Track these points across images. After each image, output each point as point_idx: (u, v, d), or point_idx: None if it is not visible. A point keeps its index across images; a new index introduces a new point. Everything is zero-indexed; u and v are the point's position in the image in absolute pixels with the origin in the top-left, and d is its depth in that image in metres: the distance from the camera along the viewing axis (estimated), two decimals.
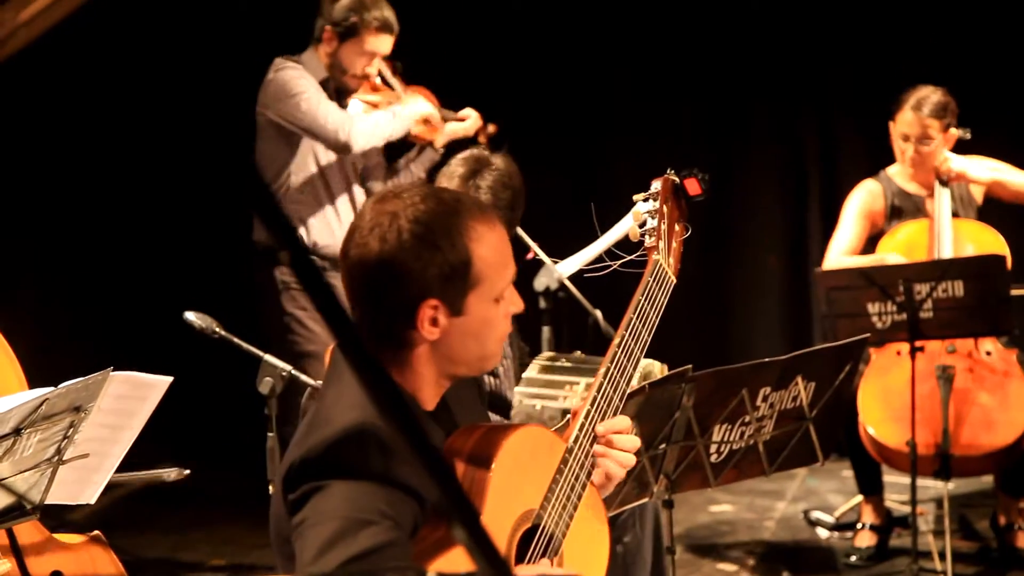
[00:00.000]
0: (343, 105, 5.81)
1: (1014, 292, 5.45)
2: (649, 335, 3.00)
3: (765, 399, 4.14)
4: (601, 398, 2.86)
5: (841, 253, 5.98)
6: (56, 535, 3.64)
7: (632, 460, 2.90)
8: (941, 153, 5.92)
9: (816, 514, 6.43)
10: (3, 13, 1.17)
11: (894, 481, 6.13)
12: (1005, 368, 5.72)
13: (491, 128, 6.07)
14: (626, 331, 2.93)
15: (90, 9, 1.27)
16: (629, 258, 3.20)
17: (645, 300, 3.02)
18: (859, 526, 6.04)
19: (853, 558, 5.91)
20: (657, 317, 3.04)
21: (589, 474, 2.77)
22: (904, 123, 5.93)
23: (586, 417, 2.81)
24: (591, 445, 2.80)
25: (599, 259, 4.15)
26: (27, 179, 6.96)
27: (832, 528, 6.31)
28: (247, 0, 7.35)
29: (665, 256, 3.13)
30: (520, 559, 2.65)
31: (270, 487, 4.00)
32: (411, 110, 5.82)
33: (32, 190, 7.01)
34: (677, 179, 3.25)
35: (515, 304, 2.77)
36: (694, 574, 5.82)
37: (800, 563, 5.93)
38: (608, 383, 2.87)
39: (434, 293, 2.61)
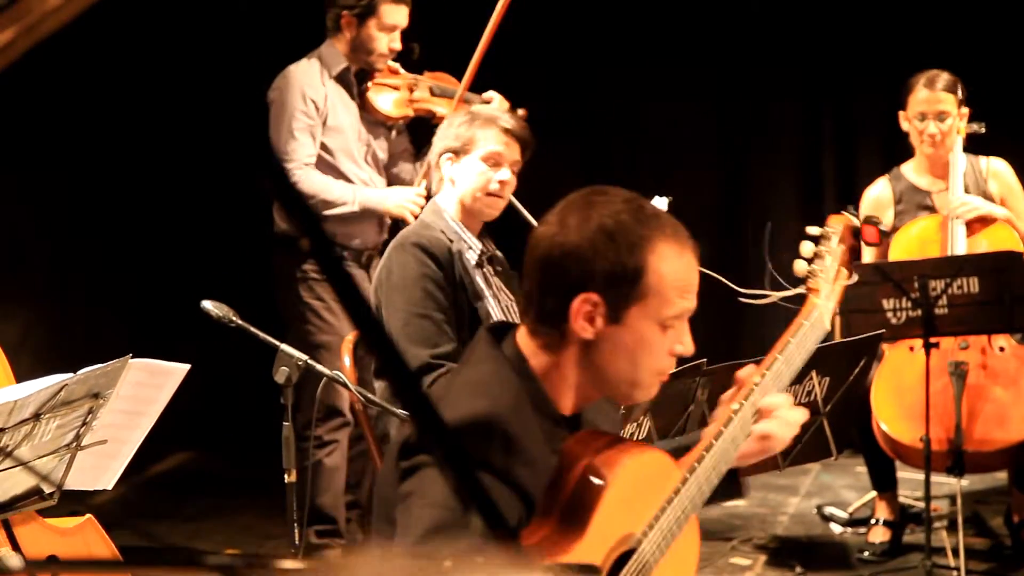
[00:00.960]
0: (365, 88, 5.79)
1: None
2: (790, 379, 2.89)
3: None
4: (726, 435, 2.75)
5: None
6: (49, 519, 3.66)
7: (800, 419, 2.84)
8: (954, 136, 5.91)
9: (829, 509, 6.44)
10: (26, 2, 1.19)
11: (908, 477, 6.13)
12: (1018, 364, 5.72)
13: (521, 112, 5.94)
14: (768, 370, 2.83)
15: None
16: (792, 292, 3.11)
17: (796, 344, 2.91)
18: (873, 522, 6.05)
19: (866, 553, 5.91)
20: (803, 363, 2.93)
21: (697, 507, 2.69)
22: (918, 102, 5.93)
23: (706, 450, 2.71)
24: (707, 482, 2.71)
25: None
26: (47, 171, 6.98)
27: (845, 524, 6.31)
28: None
29: (825, 300, 3.00)
30: None
31: (286, 476, 4.02)
32: (374, 200, 5.68)
33: (52, 182, 7.03)
34: (857, 222, 3.13)
35: (683, 343, 2.68)
36: (707, 568, 5.82)
37: (813, 558, 5.93)
38: (736, 421, 2.76)
39: (596, 288, 2.59)
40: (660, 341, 2.64)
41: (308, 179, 5.62)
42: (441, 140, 4.61)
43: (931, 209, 6.00)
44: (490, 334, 2.72)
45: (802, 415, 2.84)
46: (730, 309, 7.18)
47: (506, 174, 4.56)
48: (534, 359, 2.66)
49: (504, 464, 2.48)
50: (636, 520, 2.61)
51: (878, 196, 6.08)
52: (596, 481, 2.53)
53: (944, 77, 5.95)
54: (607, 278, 2.58)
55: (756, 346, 4.14)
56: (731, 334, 7.40)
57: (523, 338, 2.68)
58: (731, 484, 2.93)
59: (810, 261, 3.04)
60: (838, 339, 5.08)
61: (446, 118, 4.80)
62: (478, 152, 4.54)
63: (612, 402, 2.89)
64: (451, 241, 4.47)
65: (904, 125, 6.03)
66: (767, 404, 2.79)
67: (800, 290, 3.05)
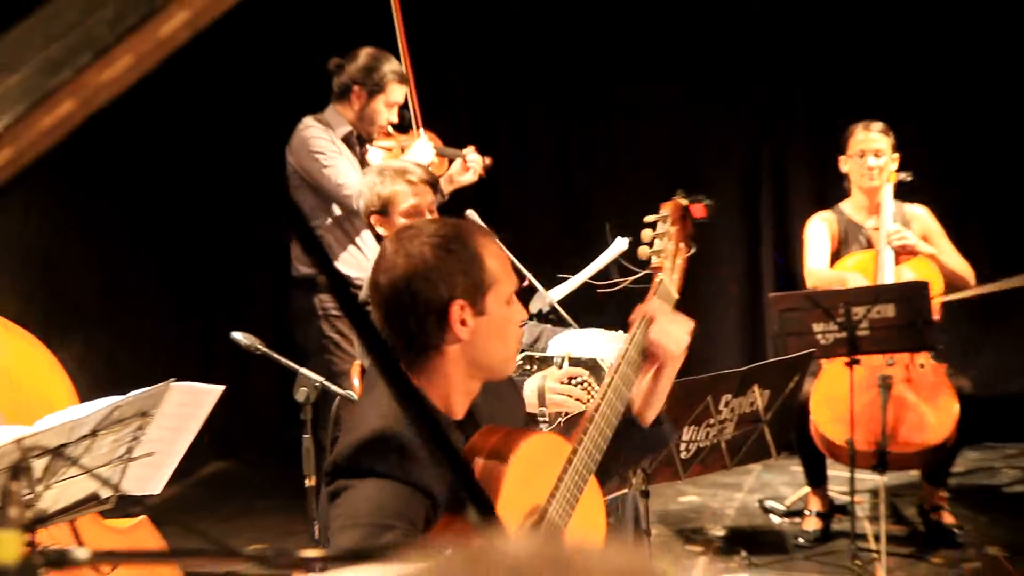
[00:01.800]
0: (363, 151, 5.76)
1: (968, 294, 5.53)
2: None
3: (727, 404, 4.15)
4: (612, 396, 2.74)
5: (818, 264, 6.01)
6: (108, 520, 3.67)
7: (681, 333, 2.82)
8: (888, 172, 5.92)
9: (769, 503, 6.43)
10: (86, 75, 1.18)
11: (836, 475, 6.12)
12: (936, 379, 5.73)
13: (487, 161, 5.87)
14: (631, 343, 2.82)
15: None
16: (639, 274, 3.12)
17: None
18: (806, 513, 6.04)
19: (801, 540, 5.90)
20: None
21: (591, 469, 2.67)
22: (858, 141, 5.96)
23: (590, 421, 2.69)
24: (595, 446, 2.69)
25: (606, 276, 4.07)
26: (102, 215, 6.95)
27: (783, 515, 6.30)
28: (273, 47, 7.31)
29: (669, 274, 3.00)
30: None
31: (306, 481, 4.00)
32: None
33: (106, 227, 7.01)
34: (685, 203, 3.14)
35: (519, 312, 2.73)
36: (667, 554, 5.80)
37: (756, 545, 5.91)
38: (611, 388, 2.76)
39: (459, 293, 2.60)
40: (511, 316, 2.68)
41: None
42: (365, 203, 4.54)
43: (868, 243, 6.01)
44: (376, 366, 2.73)
45: (686, 324, 2.84)
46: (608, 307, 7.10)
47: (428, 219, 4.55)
48: (415, 380, 2.63)
49: (403, 468, 2.47)
50: (539, 494, 2.59)
51: (828, 228, 6.09)
52: (496, 466, 2.53)
53: (879, 123, 6.00)
54: (463, 280, 2.60)
55: (707, 365, 4.14)
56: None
57: (402, 363, 2.66)
58: (657, 432, 2.91)
59: (651, 244, 3.04)
60: (776, 358, 5.09)
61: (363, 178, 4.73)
62: (400, 209, 4.50)
63: (509, 385, 2.91)
64: None
65: (844, 167, 6.05)
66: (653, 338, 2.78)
67: (646, 272, 3.03)
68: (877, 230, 5.95)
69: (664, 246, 3.03)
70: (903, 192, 6.03)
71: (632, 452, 2.95)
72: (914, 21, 7.66)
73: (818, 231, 6.08)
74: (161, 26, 1.16)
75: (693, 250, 3.10)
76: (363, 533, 2.42)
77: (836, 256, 6.04)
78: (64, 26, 1.18)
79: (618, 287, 3.36)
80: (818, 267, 6.01)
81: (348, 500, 2.48)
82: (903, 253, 5.89)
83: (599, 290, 3.86)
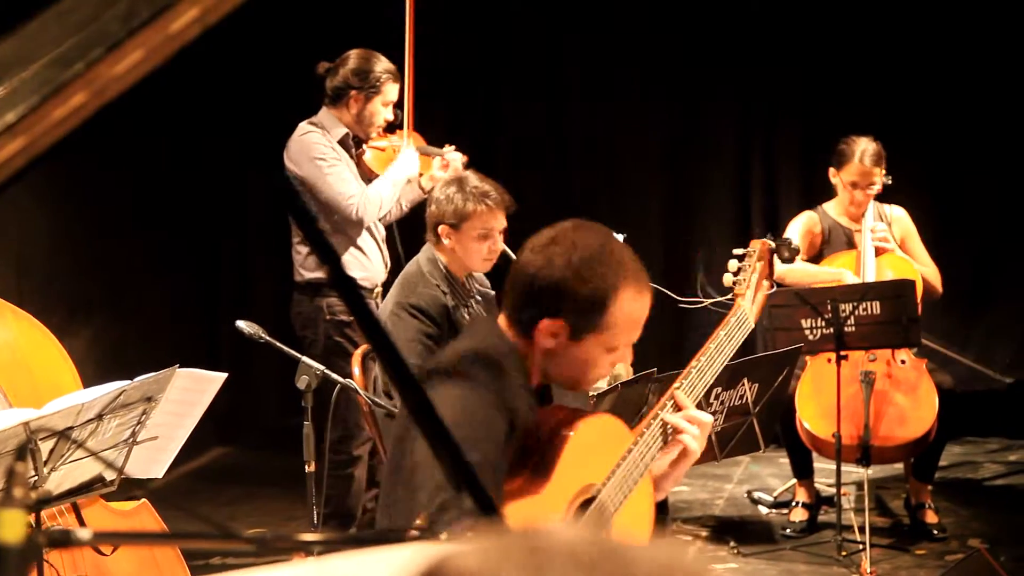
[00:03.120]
0: (360, 152, 5.69)
1: None
2: (721, 365, 2.97)
3: (717, 397, 4.17)
4: (672, 406, 2.83)
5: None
6: (111, 503, 3.68)
7: (701, 432, 2.84)
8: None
9: (758, 494, 6.44)
10: (98, 68, 1.19)
11: (822, 467, 6.13)
12: (917, 374, 5.75)
13: (464, 157, 5.71)
14: (703, 357, 2.91)
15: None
16: (721, 299, 3.23)
17: (725, 336, 3.01)
18: (793, 504, 6.05)
19: (788, 531, 5.91)
20: (732, 352, 3.03)
21: (648, 465, 2.74)
22: (852, 172, 5.90)
23: (654, 418, 2.78)
24: (656, 442, 2.76)
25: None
26: (110, 208, 6.96)
27: (771, 506, 6.31)
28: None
29: (749, 304, 3.12)
30: None
31: (306, 467, 4.01)
32: (401, 174, 5.55)
33: (114, 220, 7.01)
34: (773, 244, 3.27)
35: (623, 359, 2.77)
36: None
37: (744, 535, 5.93)
38: (679, 393, 2.84)
39: (565, 316, 2.64)
40: (605, 360, 2.70)
41: (368, 203, 5.45)
42: (438, 210, 4.59)
43: (851, 244, 6.02)
44: (487, 313, 2.85)
45: (708, 420, 2.87)
46: (675, 320, 7.16)
47: (496, 242, 4.58)
48: (509, 336, 2.72)
49: (496, 385, 2.57)
50: (595, 473, 2.66)
51: (810, 226, 6.09)
52: (560, 436, 2.60)
53: (873, 152, 5.89)
54: (575, 311, 2.63)
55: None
56: (676, 345, 7.38)
57: (503, 321, 2.75)
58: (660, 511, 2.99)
59: (735, 274, 3.18)
60: (764, 352, 5.11)
61: (439, 186, 4.75)
62: (472, 230, 4.55)
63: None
64: (445, 294, 4.45)
65: (833, 180, 6.02)
66: (675, 423, 2.80)
67: (727, 298, 3.18)
68: (859, 231, 5.97)
69: (747, 278, 3.16)
70: (883, 193, 6.03)
71: None
72: (906, 23, 7.66)
73: (798, 229, 6.08)
74: (172, 22, 1.17)
75: (773, 289, 3.29)
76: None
77: (819, 256, 6.04)
78: (78, 21, 1.19)
79: (700, 305, 3.46)
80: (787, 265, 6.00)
81: (440, 395, 2.51)
82: (880, 251, 5.91)
83: (680, 305, 3.93)
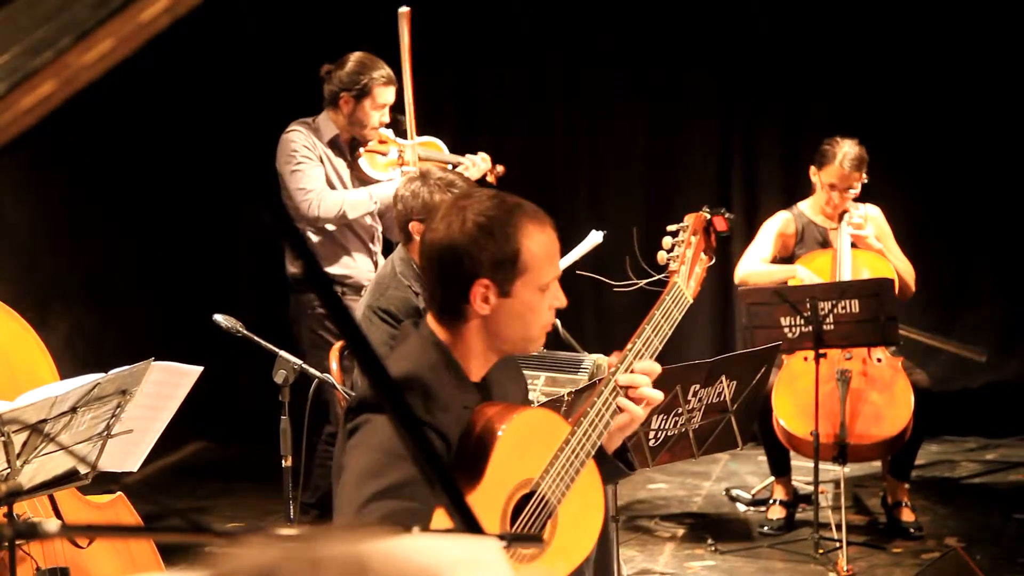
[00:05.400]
0: (357, 155, 5.69)
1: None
2: (661, 344, 2.94)
3: (695, 394, 4.17)
4: (608, 393, 2.81)
5: (755, 261, 6.02)
6: (87, 496, 3.67)
7: (655, 396, 2.85)
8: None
9: (736, 491, 6.45)
10: (67, 57, 1.17)
11: (800, 465, 6.14)
12: (892, 373, 5.75)
13: (500, 169, 5.82)
14: (640, 338, 2.89)
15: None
16: (656, 278, 3.20)
17: (661, 315, 2.97)
18: (771, 502, 6.05)
19: (766, 528, 5.92)
20: (671, 330, 2.99)
21: (589, 454, 2.75)
22: (833, 176, 5.90)
23: (591, 407, 2.78)
24: (595, 429, 2.77)
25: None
26: (88, 204, 6.94)
27: (749, 503, 6.32)
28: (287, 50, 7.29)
29: (685, 280, 3.08)
30: (515, 519, 2.65)
31: (283, 461, 4.00)
32: (387, 190, 5.43)
33: (91, 215, 6.99)
34: (708, 215, 3.24)
35: (558, 299, 2.79)
36: (634, 540, 5.82)
37: (722, 532, 5.93)
38: (611, 382, 2.83)
39: (485, 273, 2.68)
40: (541, 302, 2.75)
41: (324, 201, 5.46)
42: (405, 207, 4.48)
43: (826, 243, 6.03)
44: (411, 322, 2.87)
45: (656, 396, 2.87)
46: (617, 305, 7.10)
47: None
48: (442, 336, 2.76)
49: (425, 410, 2.59)
50: (533, 466, 2.68)
51: (782, 228, 6.09)
52: (491, 433, 2.63)
53: (854, 156, 5.88)
54: (492, 265, 2.69)
55: (677, 355, 4.14)
56: (623, 329, 7.34)
57: (431, 323, 2.78)
58: (623, 461, 2.98)
59: (669, 251, 3.14)
60: (743, 350, 5.11)
61: (402, 183, 4.58)
62: None
63: (516, 368, 3.02)
64: (416, 295, 4.40)
65: (813, 178, 6.03)
66: (628, 380, 2.82)
67: (663, 276, 3.13)
68: (835, 230, 5.97)
69: (682, 253, 3.13)
70: (860, 191, 6.03)
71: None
72: (887, 22, 7.68)
73: (771, 229, 6.08)
74: (142, 11, 1.16)
75: (712, 261, 3.21)
76: (377, 459, 2.50)
77: (792, 257, 6.05)
78: (48, 10, 1.18)
79: (633, 287, 3.42)
80: (752, 264, 6.01)
81: (369, 430, 2.57)
82: (856, 243, 5.91)
83: (615, 288, 3.90)
